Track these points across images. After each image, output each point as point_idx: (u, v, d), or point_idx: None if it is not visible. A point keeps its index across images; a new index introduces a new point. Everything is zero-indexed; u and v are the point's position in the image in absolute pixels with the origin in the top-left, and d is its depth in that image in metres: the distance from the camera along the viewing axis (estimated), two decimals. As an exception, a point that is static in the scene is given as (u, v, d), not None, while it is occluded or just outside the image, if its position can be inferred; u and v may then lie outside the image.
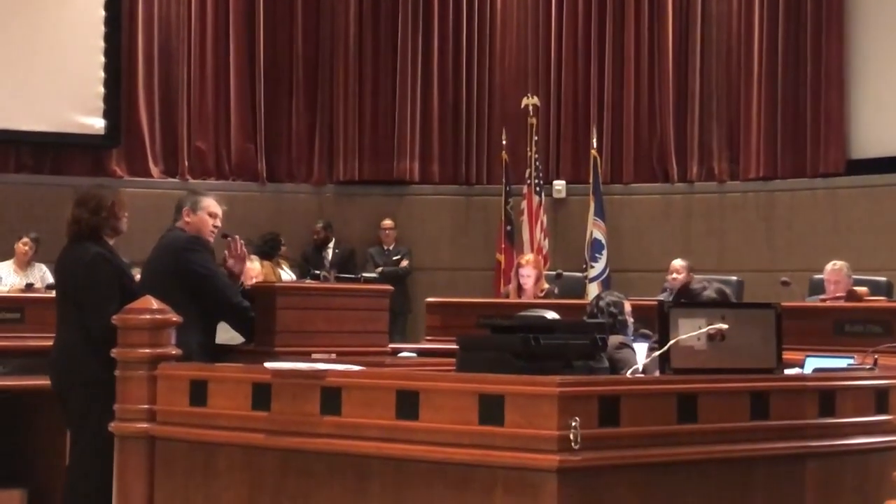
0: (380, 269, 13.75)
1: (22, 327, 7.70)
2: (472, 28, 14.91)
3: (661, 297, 10.13)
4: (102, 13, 13.91)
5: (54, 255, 6.71)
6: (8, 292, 10.44)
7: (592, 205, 13.65)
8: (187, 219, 6.54)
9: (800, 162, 13.70)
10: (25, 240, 11.93)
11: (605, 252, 13.46)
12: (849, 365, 6.07)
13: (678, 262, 11.73)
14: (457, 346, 4.86)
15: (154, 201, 12.14)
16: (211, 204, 6.61)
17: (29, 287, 10.59)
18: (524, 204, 13.80)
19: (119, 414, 5.13)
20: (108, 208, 6.39)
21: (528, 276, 10.80)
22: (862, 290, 9.06)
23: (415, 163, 14.80)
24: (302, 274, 12.74)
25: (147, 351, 5.11)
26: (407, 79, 14.79)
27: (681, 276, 11.27)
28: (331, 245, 14.28)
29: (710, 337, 4.65)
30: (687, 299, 5.61)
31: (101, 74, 13.88)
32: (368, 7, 14.89)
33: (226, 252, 6.71)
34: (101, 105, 13.86)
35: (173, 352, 5.15)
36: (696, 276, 10.67)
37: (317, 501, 4.53)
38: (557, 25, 14.65)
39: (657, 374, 4.75)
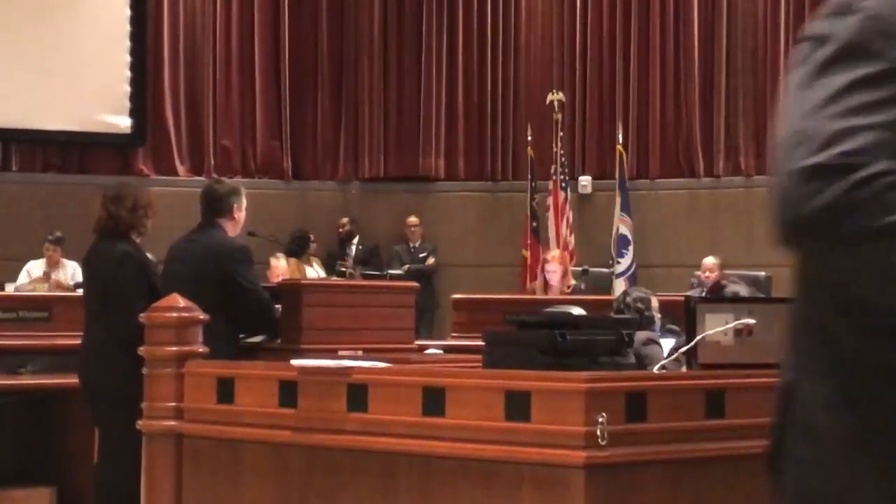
0: (406, 266, 13.75)
1: (50, 326, 7.71)
2: (497, 23, 14.89)
3: (689, 293, 10.11)
4: (128, 12, 13.96)
5: (81, 255, 6.74)
6: (34, 291, 10.46)
7: (618, 200, 13.60)
8: (237, 214, 6.57)
9: (826, 156, 13.62)
10: (47, 245, 11.71)
11: (631, 248, 13.41)
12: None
13: (710, 260, 11.72)
14: (483, 343, 4.86)
15: (180, 200, 12.15)
16: None
17: (45, 276, 10.64)
18: (550, 200, 13.77)
19: (147, 411, 5.13)
20: (144, 207, 6.44)
21: (554, 271, 10.81)
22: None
23: (440, 159, 14.79)
24: (328, 271, 12.76)
25: (174, 349, 5.11)
26: (432, 75, 14.78)
27: (714, 275, 11.25)
28: (355, 241, 14.29)
29: (738, 332, 4.63)
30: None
31: (128, 73, 13.92)
32: (393, 3, 14.89)
33: None
34: (127, 104, 13.90)
35: (200, 349, 5.15)
36: (726, 273, 10.67)
37: (344, 498, 4.52)
38: (583, 20, 14.62)
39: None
